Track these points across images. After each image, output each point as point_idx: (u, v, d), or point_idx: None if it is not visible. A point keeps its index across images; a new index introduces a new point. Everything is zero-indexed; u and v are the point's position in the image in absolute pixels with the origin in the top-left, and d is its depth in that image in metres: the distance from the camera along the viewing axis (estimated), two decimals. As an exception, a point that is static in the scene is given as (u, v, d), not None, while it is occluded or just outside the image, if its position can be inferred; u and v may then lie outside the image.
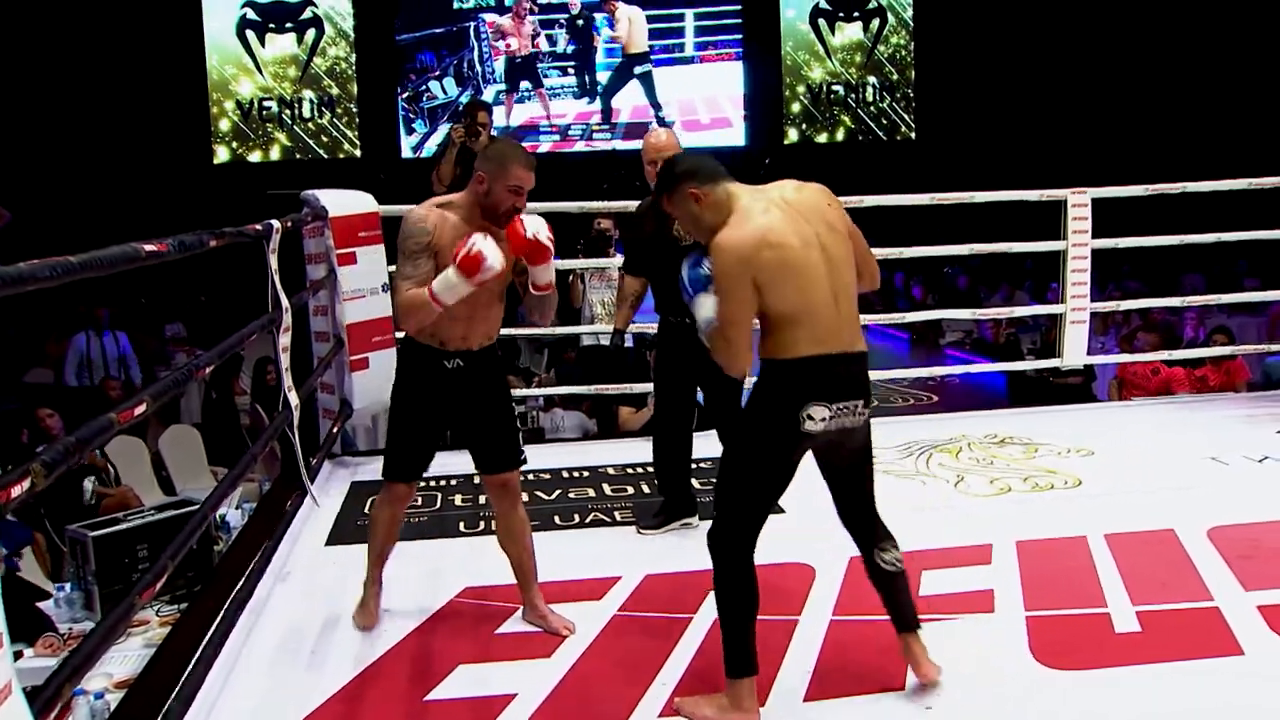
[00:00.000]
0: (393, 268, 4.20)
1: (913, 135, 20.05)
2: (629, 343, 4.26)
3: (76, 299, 10.55)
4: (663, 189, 2.77)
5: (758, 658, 2.66)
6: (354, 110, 19.32)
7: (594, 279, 6.55)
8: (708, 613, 3.25)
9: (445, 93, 19.38)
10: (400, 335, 3.32)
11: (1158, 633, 3.05)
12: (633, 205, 4.81)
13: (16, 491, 1.63)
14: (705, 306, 2.66)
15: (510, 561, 3.31)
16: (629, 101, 19.64)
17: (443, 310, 2.92)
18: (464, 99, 18.87)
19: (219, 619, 3.03)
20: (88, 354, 8.96)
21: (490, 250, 2.84)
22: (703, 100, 19.73)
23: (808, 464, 2.72)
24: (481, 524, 4.23)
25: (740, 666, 2.65)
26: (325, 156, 19.19)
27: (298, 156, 19.10)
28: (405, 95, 19.30)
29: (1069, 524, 3.95)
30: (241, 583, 3.33)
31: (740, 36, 19.86)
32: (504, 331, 3.51)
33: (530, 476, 4.79)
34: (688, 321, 3.25)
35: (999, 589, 3.38)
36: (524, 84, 19.32)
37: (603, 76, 19.42)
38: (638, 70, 19.02)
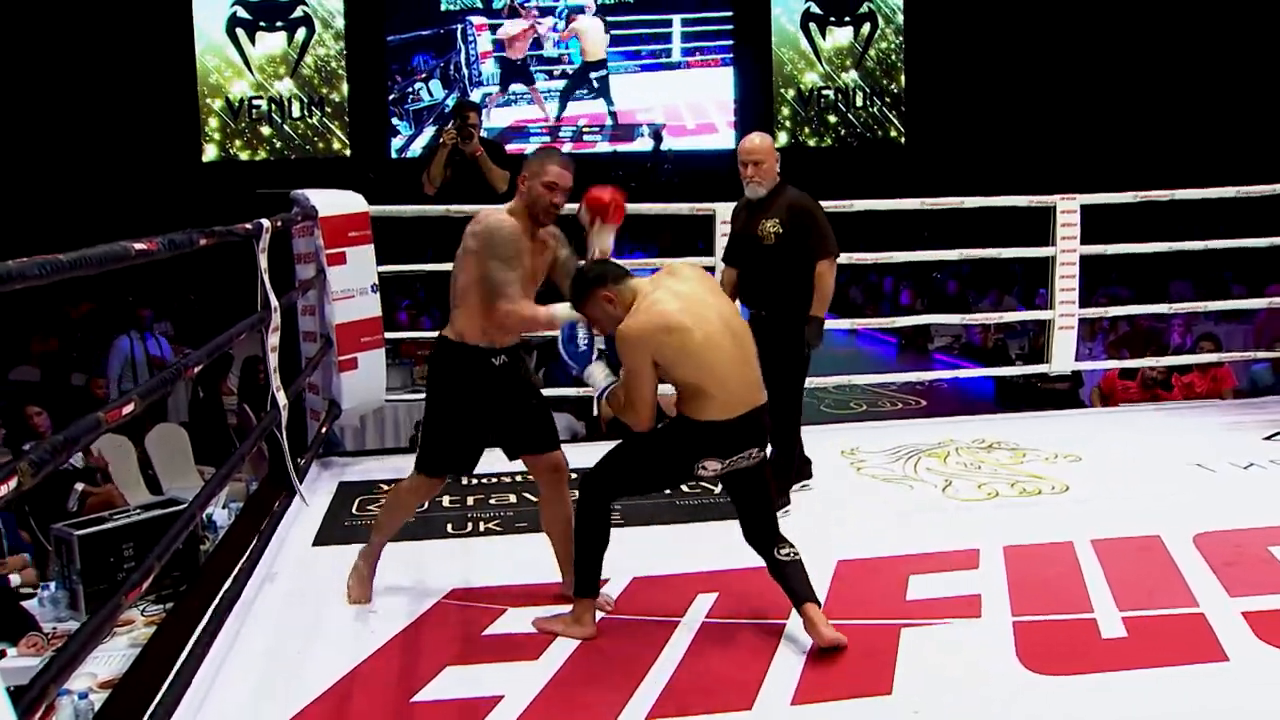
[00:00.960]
0: (383, 268, 4.34)
1: (902, 140, 20.11)
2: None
3: (118, 296, 10.43)
4: (577, 299, 3.09)
5: (599, 584, 3.17)
6: (344, 110, 19.28)
7: None
8: (696, 616, 3.26)
9: (431, 95, 19.37)
10: (435, 335, 3.47)
11: (1144, 638, 3.06)
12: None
13: (2, 491, 1.61)
14: (595, 377, 3.11)
15: (555, 545, 3.47)
16: (619, 106, 19.70)
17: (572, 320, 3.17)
18: (450, 101, 18.87)
19: (205, 619, 3.02)
20: (131, 357, 8.17)
21: (610, 196, 3.24)
22: (688, 106, 19.81)
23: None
24: (469, 525, 4.22)
25: (585, 588, 3.14)
26: (315, 156, 19.14)
27: (287, 155, 19.05)
28: (392, 97, 19.28)
29: (1056, 529, 3.96)
30: (228, 583, 3.31)
31: (730, 42, 19.90)
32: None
33: (518, 479, 4.78)
34: (763, 314, 4.14)
35: (986, 594, 3.38)
36: (515, 86, 19.37)
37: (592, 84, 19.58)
38: (593, 75, 19.26)
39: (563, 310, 3.16)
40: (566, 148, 19.46)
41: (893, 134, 20.37)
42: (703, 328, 2.93)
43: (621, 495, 3.22)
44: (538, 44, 19.44)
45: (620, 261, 3.24)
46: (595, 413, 3.14)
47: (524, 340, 3.45)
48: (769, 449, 3.24)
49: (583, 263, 3.27)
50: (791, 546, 3.09)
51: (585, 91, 19.57)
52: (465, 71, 19.34)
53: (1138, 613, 3.21)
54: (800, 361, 4.28)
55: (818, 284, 4.20)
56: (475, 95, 18.99)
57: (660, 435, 3.08)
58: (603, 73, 19.43)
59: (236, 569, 3.45)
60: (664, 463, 3.10)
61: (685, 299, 2.97)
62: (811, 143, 20.45)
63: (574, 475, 3.43)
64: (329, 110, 19.25)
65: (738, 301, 4.32)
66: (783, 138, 20.31)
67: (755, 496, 3.13)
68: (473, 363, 3.27)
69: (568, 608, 3.24)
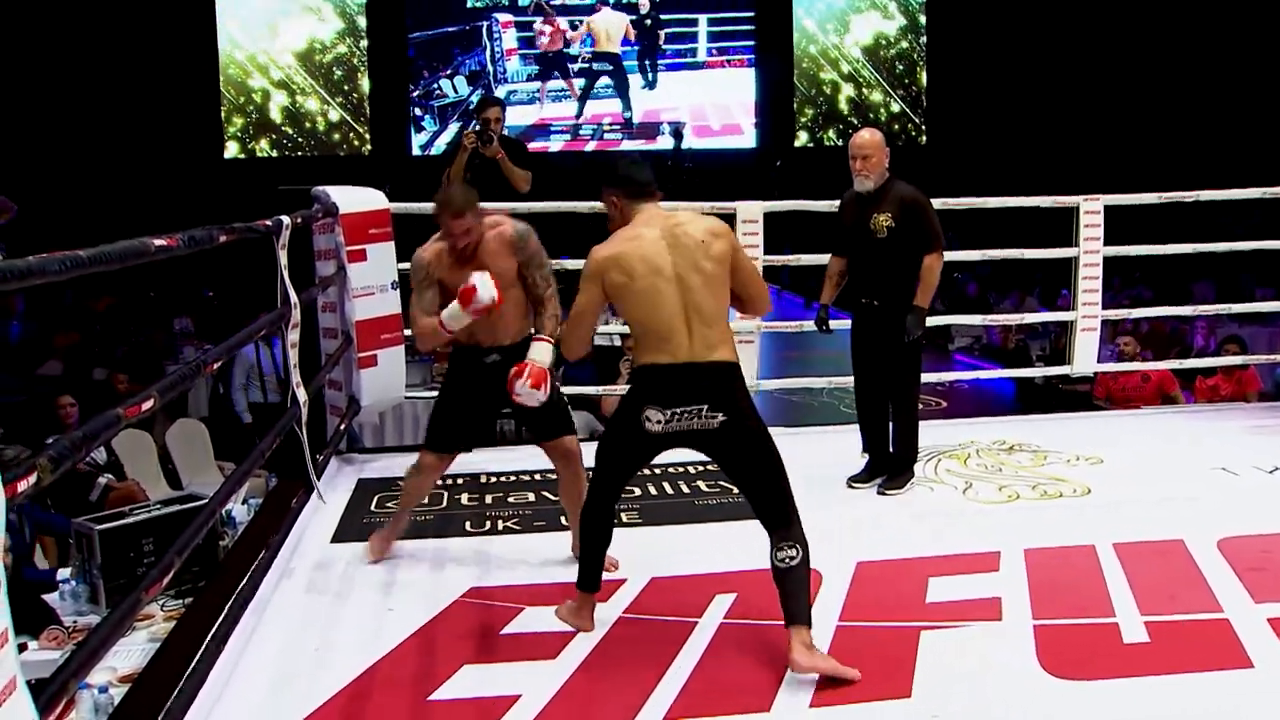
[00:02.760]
0: (403, 265, 4.43)
1: (924, 140, 20.00)
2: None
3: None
4: (601, 180, 3.24)
5: (599, 581, 3.24)
6: (365, 107, 19.31)
7: None
8: (714, 616, 3.25)
9: (456, 91, 19.40)
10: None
11: (1166, 644, 3.03)
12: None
13: (23, 486, 1.61)
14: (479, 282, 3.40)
15: (571, 523, 3.72)
16: (640, 105, 19.71)
17: (454, 330, 3.49)
18: (474, 98, 18.90)
19: (223, 615, 3.02)
20: (257, 363, 7.48)
21: (483, 286, 3.38)
22: (713, 106, 19.81)
23: (809, 465, 2.74)
24: (487, 524, 4.22)
25: (584, 582, 3.23)
26: (335, 153, 19.19)
27: (308, 152, 19.10)
28: (417, 93, 19.30)
29: (1078, 532, 3.93)
30: (246, 579, 3.32)
31: (753, 43, 19.87)
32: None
33: (536, 476, 4.78)
34: (875, 304, 4.44)
35: (1007, 597, 3.35)
36: (552, 83, 19.45)
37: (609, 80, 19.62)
38: (599, 67, 19.49)
39: (448, 313, 3.46)
40: (590, 146, 19.51)
41: (913, 133, 20.29)
42: (650, 277, 3.02)
43: (605, 483, 3.20)
44: (565, 42, 19.50)
45: None
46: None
47: (527, 340, 3.60)
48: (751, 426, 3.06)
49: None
50: (794, 549, 2.93)
51: (606, 86, 19.60)
52: (490, 69, 19.37)
53: (1160, 617, 3.17)
54: (911, 349, 4.50)
55: (923, 276, 4.43)
56: (500, 92, 19.02)
57: (616, 408, 3.24)
58: (610, 66, 19.48)
59: (255, 565, 3.46)
60: (616, 427, 3.17)
61: (653, 247, 3.05)
62: (833, 142, 20.37)
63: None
64: (350, 108, 19.30)
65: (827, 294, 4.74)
66: (804, 137, 20.27)
67: (748, 478, 3.05)
68: (464, 360, 3.71)
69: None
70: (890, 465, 4.63)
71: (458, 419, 3.75)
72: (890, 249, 4.44)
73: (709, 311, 3.03)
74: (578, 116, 19.58)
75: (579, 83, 19.60)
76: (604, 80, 19.63)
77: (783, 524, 2.97)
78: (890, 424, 4.64)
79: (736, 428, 3.00)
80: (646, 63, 19.78)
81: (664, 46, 19.67)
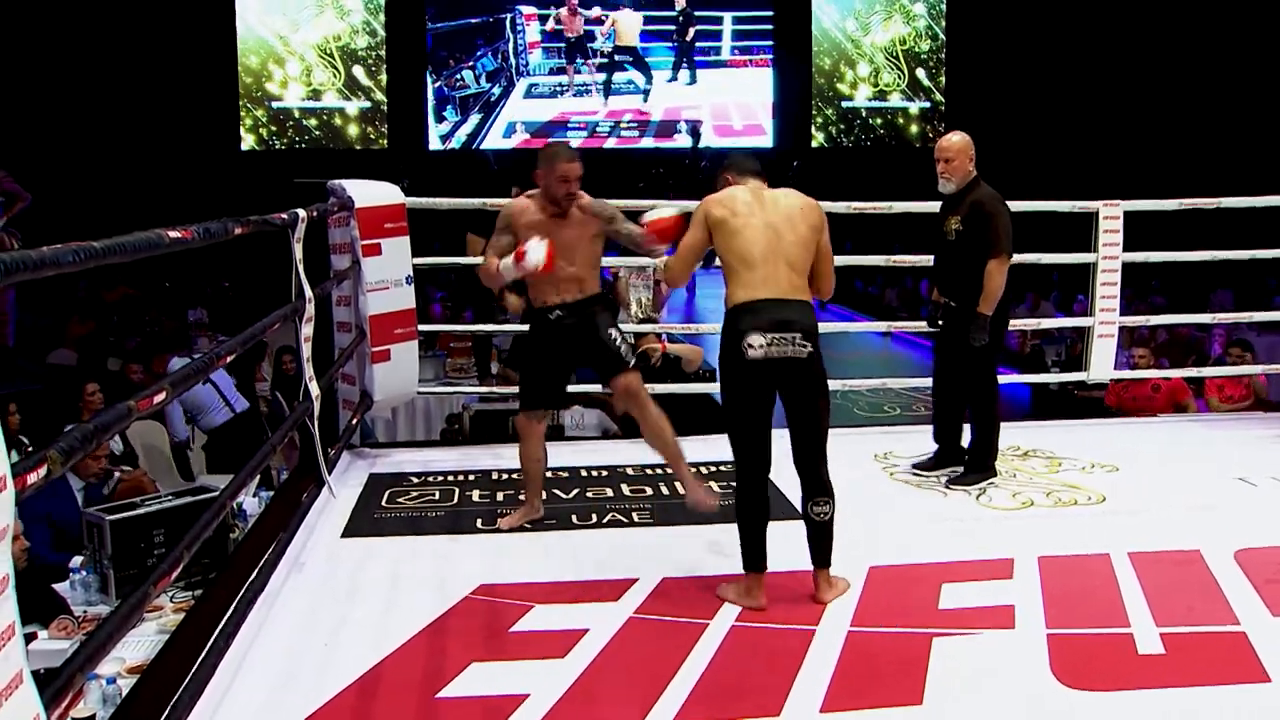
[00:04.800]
0: (418, 260, 4.52)
1: (941, 141, 19.91)
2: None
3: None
4: (714, 170, 3.65)
5: (761, 560, 3.35)
6: (382, 101, 19.34)
7: (634, 277, 6.54)
8: (725, 618, 3.23)
9: (478, 83, 19.43)
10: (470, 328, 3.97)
11: (1182, 656, 2.99)
12: (655, 204, 4.93)
13: (33, 479, 1.61)
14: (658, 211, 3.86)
15: (659, 454, 4.04)
16: (660, 103, 19.73)
17: (506, 280, 3.95)
18: (495, 90, 18.94)
19: (233, 608, 3.02)
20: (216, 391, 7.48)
21: (533, 250, 3.73)
22: (735, 105, 19.84)
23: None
24: (498, 521, 4.20)
25: (749, 562, 3.36)
26: (352, 147, 19.23)
27: (325, 145, 19.15)
28: (436, 84, 19.34)
29: (1092, 541, 3.89)
30: (256, 572, 3.32)
31: (771, 43, 19.88)
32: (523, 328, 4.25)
33: (548, 475, 4.77)
34: (953, 305, 4.63)
35: (1020, 605, 3.32)
36: (579, 72, 19.50)
37: (631, 75, 19.61)
38: (622, 59, 19.68)
39: (504, 263, 3.83)
40: (610, 143, 19.54)
41: (932, 136, 20.22)
42: (747, 218, 3.36)
43: (749, 451, 3.36)
44: (589, 34, 19.55)
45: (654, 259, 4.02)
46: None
47: (594, 296, 4.01)
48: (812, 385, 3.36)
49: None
50: (828, 505, 3.35)
51: (627, 82, 19.63)
52: (513, 61, 19.39)
53: (1176, 629, 3.14)
54: (982, 353, 4.59)
55: (985, 282, 4.50)
56: (521, 85, 19.08)
57: (720, 349, 3.39)
58: (629, 58, 19.53)
59: (265, 559, 3.46)
60: (727, 368, 3.34)
61: (755, 199, 3.41)
62: (850, 142, 20.34)
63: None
64: (368, 102, 19.32)
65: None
66: (821, 137, 20.23)
67: (808, 418, 3.35)
68: (535, 320, 4.07)
69: (591, 605, 3.25)
70: (964, 461, 4.76)
71: (535, 377, 4.09)
72: (958, 252, 4.59)
73: (798, 263, 3.36)
74: (605, 100, 19.60)
75: (599, 77, 19.65)
76: (622, 76, 19.67)
77: (821, 474, 3.37)
78: (962, 419, 4.80)
79: (817, 364, 3.32)
80: (683, 59, 19.87)
81: (696, 43, 19.77)
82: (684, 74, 19.84)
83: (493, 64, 19.39)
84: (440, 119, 19.48)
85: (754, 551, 3.35)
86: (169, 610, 4.00)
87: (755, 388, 3.31)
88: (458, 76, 19.36)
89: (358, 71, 19.24)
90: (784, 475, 3.52)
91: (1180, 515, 4.23)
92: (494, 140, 19.55)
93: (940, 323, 4.85)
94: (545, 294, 3.99)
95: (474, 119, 19.40)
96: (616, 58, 19.64)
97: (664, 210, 3.90)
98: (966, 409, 4.78)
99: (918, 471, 4.83)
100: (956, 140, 4.62)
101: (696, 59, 19.86)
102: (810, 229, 3.41)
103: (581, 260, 3.97)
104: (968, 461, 4.75)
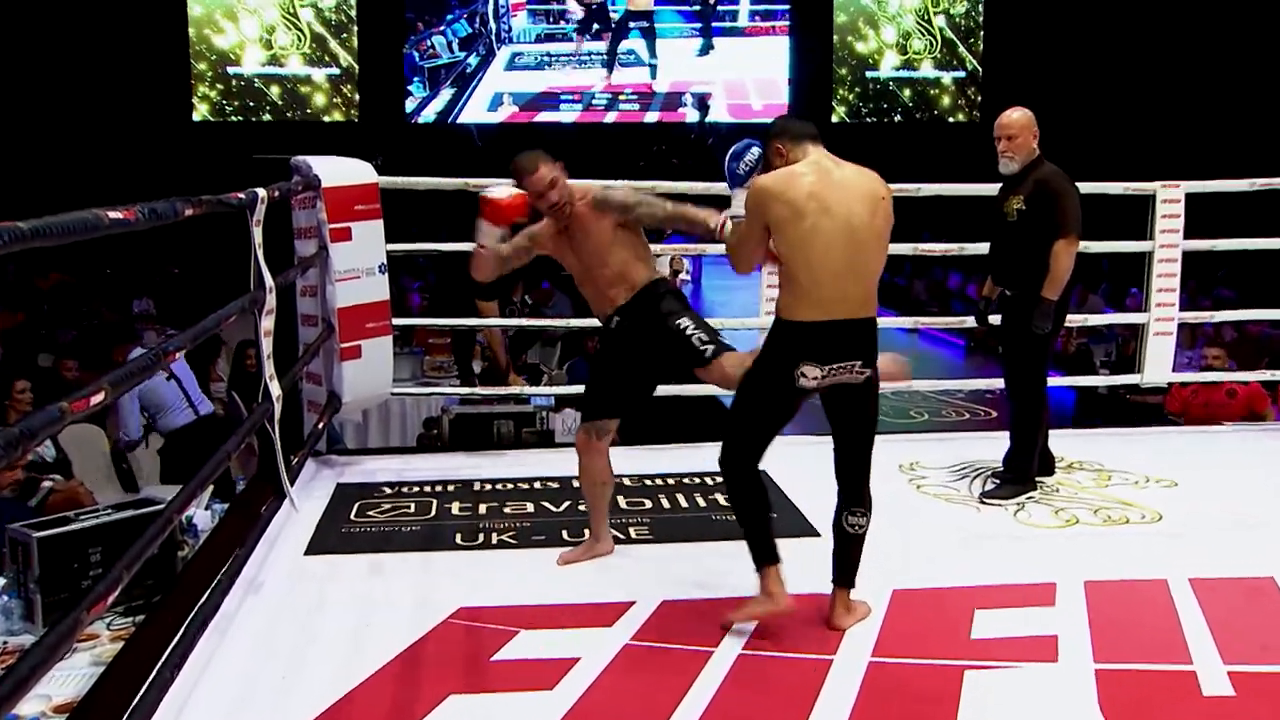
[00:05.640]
0: (392, 246, 4.55)
1: (977, 117, 19.88)
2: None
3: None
4: (764, 137, 3.50)
5: (774, 551, 3.33)
6: (353, 68, 19.31)
7: None
8: (731, 646, 3.22)
9: (450, 51, 19.37)
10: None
11: (1254, 699, 2.96)
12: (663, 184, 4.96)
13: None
14: (734, 202, 3.48)
15: None
16: (667, 77, 19.74)
17: (490, 253, 4.02)
18: (472, 60, 18.89)
19: (179, 635, 3.01)
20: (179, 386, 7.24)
21: (494, 190, 3.92)
22: (753, 79, 19.89)
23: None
24: (480, 536, 4.20)
25: (760, 557, 3.34)
26: (319, 119, 19.19)
27: (288, 116, 19.11)
28: (410, 53, 19.30)
29: (1147, 564, 3.88)
30: (207, 594, 3.30)
31: (788, 6, 19.88)
32: (520, 322, 4.53)
33: (537, 485, 4.77)
34: (1009, 294, 4.69)
35: (1064, 635, 3.32)
36: (589, 39, 19.51)
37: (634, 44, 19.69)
38: (636, 25, 19.63)
39: (480, 223, 3.95)
40: (610, 117, 19.54)
41: (965, 110, 20.22)
42: (817, 217, 3.18)
43: (747, 447, 3.37)
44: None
45: (663, 244, 3.62)
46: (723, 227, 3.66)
47: (648, 288, 3.93)
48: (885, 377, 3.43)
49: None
50: (865, 518, 3.37)
51: (628, 52, 19.63)
52: (493, 25, 19.32)
53: (1246, 667, 3.11)
54: (1037, 344, 4.65)
55: (1052, 264, 4.53)
56: (503, 54, 19.04)
57: (758, 360, 3.41)
58: (644, 24, 19.53)
59: (218, 579, 3.45)
60: (765, 382, 3.32)
61: (823, 184, 3.23)
62: (875, 117, 20.33)
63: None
64: (336, 68, 19.29)
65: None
66: (841, 112, 20.23)
67: (852, 428, 3.36)
68: (601, 332, 4.11)
69: (582, 631, 3.24)
70: (1003, 471, 4.79)
71: (600, 386, 4.08)
72: (1019, 234, 4.61)
73: (872, 271, 3.29)
74: (608, 74, 19.59)
75: (600, 45, 19.62)
76: (626, 45, 19.66)
77: (862, 487, 3.38)
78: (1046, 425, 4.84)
79: (873, 384, 3.32)
80: (699, 27, 19.91)
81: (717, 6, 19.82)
82: (696, 44, 19.85)
83: (467, 29, 19.31)
84: (407, 94, 19.43)
85: (764, 543, 3.35)
86: (105, 639, 3.96)
87: (793, 406, 3.35)
88: (428, 43, 19.30)
89: (325, 34, 19.22)
90: (797, 487, 3.52)
91: (1247, 536, 4.22)
92: (477, 114, 19.50)
93: (992, 319, 4.89)
94: (600, 305, 4.00)
95: (446, 94, 19.32)
96: (630, 24, 19.60)
97: (495, 191, 3.92)
98: (1039, 412, 4.76)
99: (987, 500, 4.66)
100: (1018, 116, 4.65)
101: (713, 25, 19.88)
102: (885, 221, 3.31)
103: (616, 257, 3.92)
104: (1004, 472, 4.76)
